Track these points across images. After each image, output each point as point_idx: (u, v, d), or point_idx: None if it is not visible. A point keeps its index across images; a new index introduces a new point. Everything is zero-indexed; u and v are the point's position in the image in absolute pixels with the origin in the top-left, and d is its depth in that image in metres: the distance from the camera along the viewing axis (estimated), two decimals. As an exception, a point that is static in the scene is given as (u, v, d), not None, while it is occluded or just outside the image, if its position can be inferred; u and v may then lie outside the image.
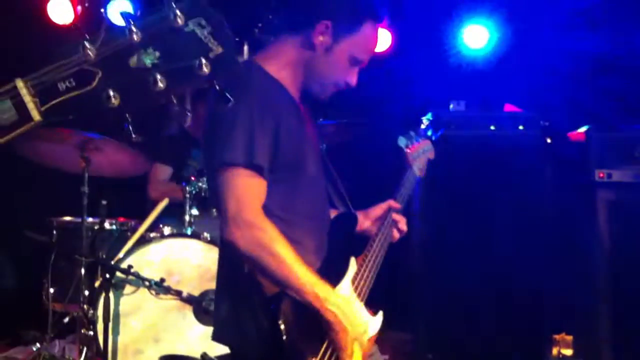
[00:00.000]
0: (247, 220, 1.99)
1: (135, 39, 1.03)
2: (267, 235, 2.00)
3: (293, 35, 2.19)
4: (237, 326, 2.14)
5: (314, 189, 2.26)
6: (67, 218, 4.04)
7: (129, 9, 4.81)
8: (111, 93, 1.02)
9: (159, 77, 1.02)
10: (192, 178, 3.86)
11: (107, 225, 3.87)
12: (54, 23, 5.13)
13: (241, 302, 2.13)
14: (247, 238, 1.98)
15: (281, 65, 2.19)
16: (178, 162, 4.40)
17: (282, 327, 2.02)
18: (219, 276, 2.28)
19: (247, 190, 2.02)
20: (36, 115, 1.00)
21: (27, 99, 1.00)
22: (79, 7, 5.09)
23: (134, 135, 1.07)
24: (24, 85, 1.01)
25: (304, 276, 2.00)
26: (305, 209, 2.21)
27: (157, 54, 1.04)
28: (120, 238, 3.86)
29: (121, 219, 4.02)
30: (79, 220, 3.72)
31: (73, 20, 5.13)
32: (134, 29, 1.02)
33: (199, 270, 3.65)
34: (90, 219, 3.79)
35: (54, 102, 1.02)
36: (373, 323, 2.25)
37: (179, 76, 1.03)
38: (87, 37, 1.02)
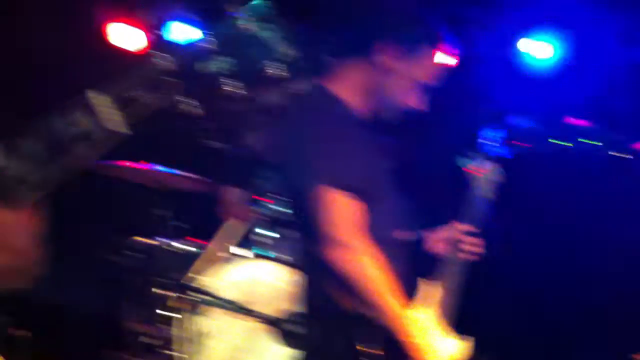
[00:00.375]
0: (343, 241, 2.00)
1: (209, 46, 1.09)
2: (362, 256, 2.01)
3: (356, 58, 2.23)
4: (325, 347, 2.16)
5: (385, 210, 2.27)
6: (144, 239, 4.14)
7: (187, 30, 4.96)
8: (190, 102, 1.08)
9: (235, 83, 1.08)
10: (262, 198, 3.91)
11: (182, 245, 3.99)
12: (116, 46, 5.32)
13: (329, 324, 2.15)
14: (344, 259, 1.99)
15: (348, 88, 2.22)
16: (246, 183, 4.47)
17: (371, 350, 2.02)
18: (304, 298, 2.29)
19: (343, 211, 2.04)
20: (121, 128, 1.07)
21: (110, 112, 1.07)
22: (142, 31, 5.24)
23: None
24: (107, 99, 1.07)
25: (392, 301, 2.00)
26: (378, 230, 2.22)
27: (231, 60, 1.10)
28: (195, 259, 3.93)
29: (195, 240, 4.11)
30: (156, 240, 3.83)
31: (137, 45, 5.33)
32: (206, 37, 1.09)
33: (276, 292, 3.67)
34: (167, 240, 3.90)
35: (136, 114, 1.08)
36: (458, 348, 2.22)
37: (255, 82, 1.09)
38: (162, 49, 1.09)
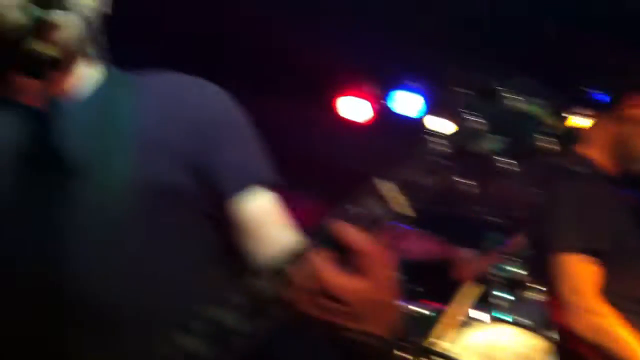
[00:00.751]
0: (585, 306, 1.96)
1: (479, 126, 1.14)
2: (607, 320, 1.95)
3: (605, 114, 2.19)
4: None
5: (632, 268, 2.17)
6: None
7: (415, 100, 5.09)
8: (468, 182, 1.13)
9: (509, 160, 1.11)
10: (499, 260, 3.87)
11: (419, 309, 4.00)
12: (346, 119, 5.60)
13: None
14: (586, 324, 1.95)
15: (596, 146, 2.18)
16: (479, 244, 4.44)
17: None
18: None
19: (584, 275, 2.00)
20: (408, 211, 1.14)
21: (395, 197, 1.15)
22: (368, 103, 5.46)
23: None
24: (389, 186, 1.15)
25: None
26: (631, 290, 2.13)
27: (502, 138, 1.13)
28: (434, 322, 3.95)
29: (432, 303, 4.12)
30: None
31: (365, 116, 5.57)
32: (475, 116, 1.13)
33: (515, 357, 3.59)
34: (404, 304, 3.95)
35: (419, 196, 1.15)
36: None
37: (525, 156, 1.12)
38: (433, 130, 1.16)
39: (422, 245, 4.21)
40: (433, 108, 1.25)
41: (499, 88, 1.18)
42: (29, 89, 1.48)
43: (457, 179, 1.16)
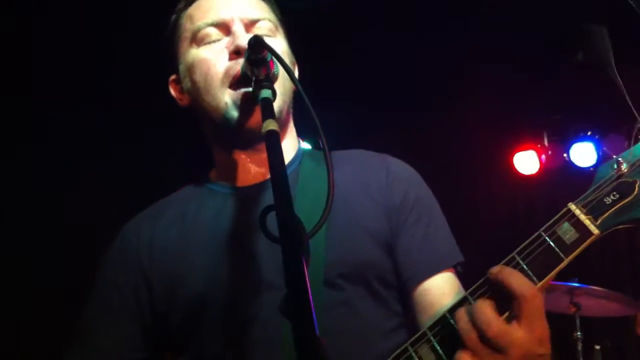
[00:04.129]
0: None
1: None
2: None
3: None
4: None
5: None
6: None
7: (591, 150, 5.01)
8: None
9: None
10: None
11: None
12: (520, 173, 5.60)
13: None
14: None
15: None
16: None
17: None
18: None
19: None
20: (594, 230, 1.15)
21: (582, 217, 1.16)
22: (543, 156, 5.44)
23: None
24: (576, 207, 1.17)
25: None
26: None
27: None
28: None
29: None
30: None
31: (537, 170, 5.51)
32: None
33: None
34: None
35: (605, 215, 1.16)
36: None
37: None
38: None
39: (602, 302, 4.02)
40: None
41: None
42: (246, 167, 1.69)
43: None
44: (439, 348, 1.24)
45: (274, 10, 1.84)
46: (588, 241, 1.17)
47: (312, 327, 1.00)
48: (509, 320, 1.18)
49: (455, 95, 4.96)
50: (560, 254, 1.17)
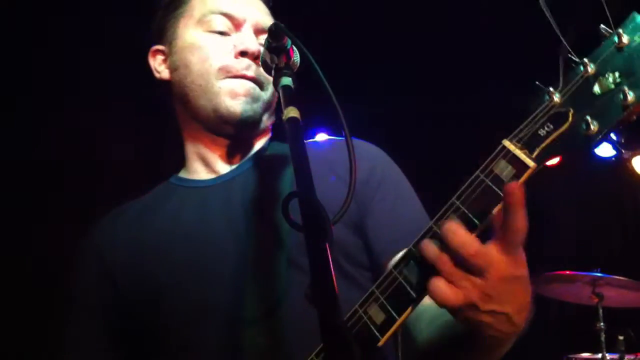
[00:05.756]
0: None
1: (590, 71, 1.11)
2: None
3: None
4: None
5: None
6: (585, 354, 4.02)
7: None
8: (588, 119, 1.09)
9: (626, 89, 1.07)
10: None
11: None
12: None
13: None
14: None
15: None
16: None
17: None
18: None
19: None
20: (530, 163, 1.12)
21: (517, 152, 1.13)
22: None
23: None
24: (510, 143, 1.14)
25: None
26: None
27: (616, 74, 1.10)
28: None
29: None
30: (598, 356, 3.70)
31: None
32: (587, 62, 1.11)
33: None
34: (609, 356, 3.72)
35: (540, 147, 1.13)
36: None
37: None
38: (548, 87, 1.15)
39: (624, 292, 3.96)
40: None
41: None
42: (220, 152, 1.71)
43: (579, 120, 1.13)
44: (387, 304, 1.20)
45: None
46: (525, 175, 1.13)
47: (338, 313, 1.00)
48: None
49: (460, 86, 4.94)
50: (499, 192, 1.13)
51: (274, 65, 1.45)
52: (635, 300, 3.94)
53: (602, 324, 3.72)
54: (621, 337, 3.63)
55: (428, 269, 1.14)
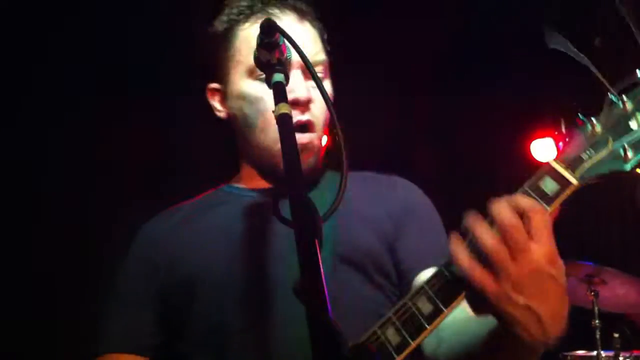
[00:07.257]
0: None
1: (628, 107, 1.30)
2: None
3: None
4: None
5: None
6: (581, 352, 4.11)
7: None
8: (626, 146, 1.28)
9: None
10: None
11: (621, 358, 3.86)
12: (537, 161, 5.66)
13: None
14: None
15: None
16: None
17: None
18: None
19: None
20: (573, 180, 1.31)
21: (562, 170, 1.32)
22: (561, 144, 5.50)
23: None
24: (556, 163, 1.34)
25: None
26: None
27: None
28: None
29: (637, 352, 3.94)
30: (593, 354, 3.78)
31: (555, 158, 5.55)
32: (625, 100, 1.30)
33: None
34: (604, 353, 3.83)
35: (582, 168, 1.32)
36: None
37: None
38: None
39: (627, 291, 4.03)
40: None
41: None
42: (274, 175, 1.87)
43: (617, 147, 1.31)
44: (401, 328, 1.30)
45: (324, 44, 1.91)
46: (567, 190, 1.32)
47: (325, 308, 1.03)
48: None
49: (471, 82, 5.04)
50: (544, 204, 1.32)
51: (265, 62, 1.47)
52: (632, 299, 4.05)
53: (597, 321, 3.83)
54: (616, 335, 3.74)
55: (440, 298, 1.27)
